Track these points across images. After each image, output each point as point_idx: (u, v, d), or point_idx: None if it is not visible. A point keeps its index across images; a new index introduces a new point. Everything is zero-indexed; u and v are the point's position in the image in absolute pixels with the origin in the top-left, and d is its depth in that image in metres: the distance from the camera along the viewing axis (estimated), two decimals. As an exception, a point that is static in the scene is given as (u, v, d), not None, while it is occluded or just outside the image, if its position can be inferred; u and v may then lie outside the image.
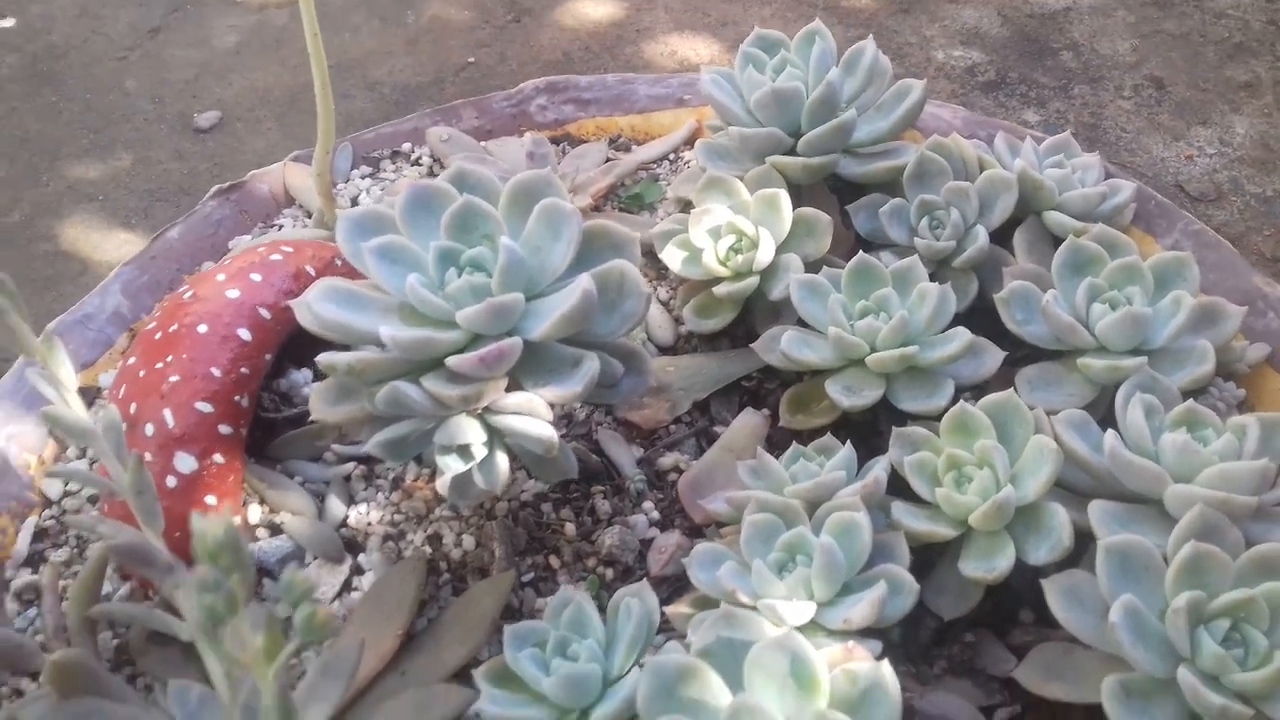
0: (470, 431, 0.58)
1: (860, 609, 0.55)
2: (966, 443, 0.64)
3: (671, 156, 0.93)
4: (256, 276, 0.69)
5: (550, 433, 0.58)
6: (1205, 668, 0.53)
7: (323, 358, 0.57)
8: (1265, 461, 0.59)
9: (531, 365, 0.59)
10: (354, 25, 1.52)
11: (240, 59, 1.48)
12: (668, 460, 0.73)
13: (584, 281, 0.57)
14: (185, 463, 0.63)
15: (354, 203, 0.89)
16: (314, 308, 0.59)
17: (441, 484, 0.62)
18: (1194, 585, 0.55)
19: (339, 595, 0.65)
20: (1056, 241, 0.75)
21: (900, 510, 0.63)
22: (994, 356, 0.70)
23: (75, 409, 0.59)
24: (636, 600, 0.57)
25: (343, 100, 1.37)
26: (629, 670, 0.56)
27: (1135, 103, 1.09)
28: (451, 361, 0.56)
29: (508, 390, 0.59)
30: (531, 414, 0.58)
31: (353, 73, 1.44)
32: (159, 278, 0.82)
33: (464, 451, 0.59)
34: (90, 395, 0.77)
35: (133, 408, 0.65)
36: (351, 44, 1.50)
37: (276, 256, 0.71)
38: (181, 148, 1.33)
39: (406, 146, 0.93)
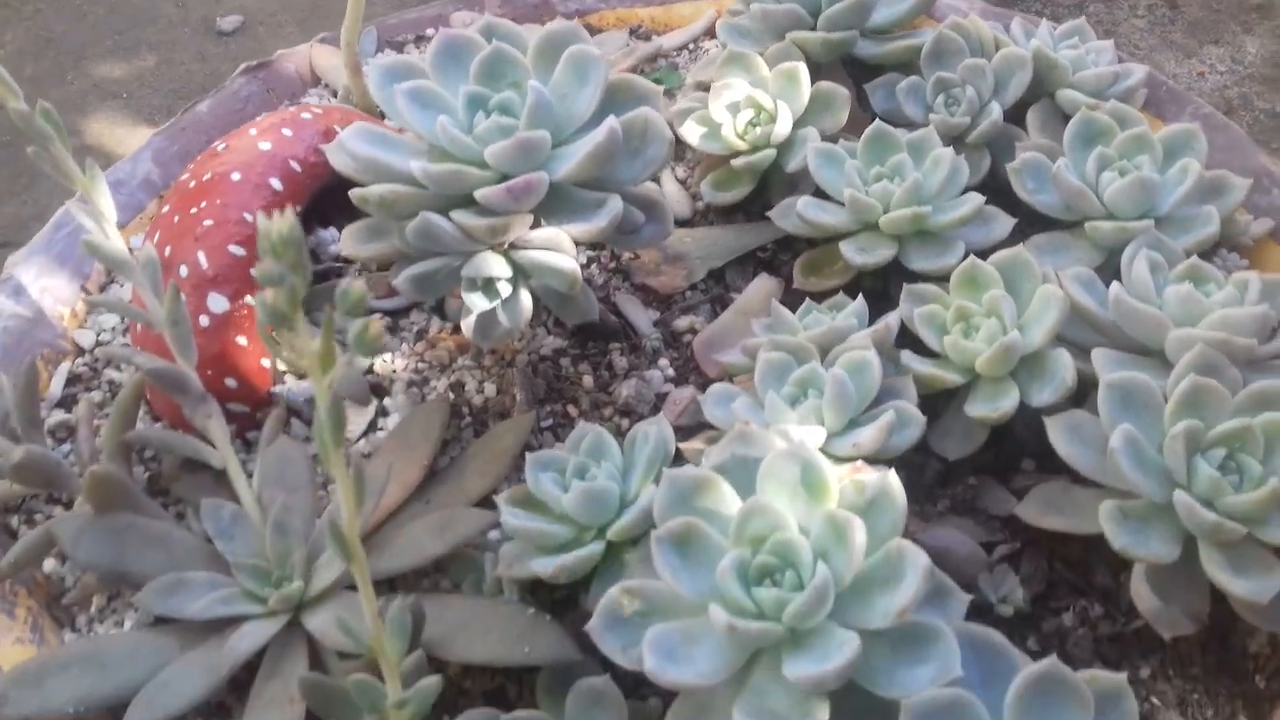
0: (496, 266, 0.60)
1: (869, 433, 0.57)
2: (975, 295, 0.65)
3: (691, 46, 0.94)
4: (288, 131, 0.71)
5: (574, 266, 0.60)
6: (1200, 492, 0.56)
7: (356, 191, 0.59)
8: (1265, 307, 0.61)
9: (556, 206, 0.61)
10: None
11: (263, -36, 1.50)
12: (683, 322, 0.75)
13: (610, 121, 0.59)
14: (218, 303, 0.66)
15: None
16: (348, 146, 0.61)
17: (467, 326, 0.64)
18: (1192, 417, 0.57)
19: (365, 434, 0.68)
20: (1068, 121, 0.77)
21: (909, 357, 0.65)
22: (1004, 223, 0.72)
23: (114, 240, 0.61)
24: (654, 427, 0.60)
25: (366, 6, 1.38)
26: (645, 490, 0.58)
27: (1149, 21, 1.10)
28: (480, 194, 0.58)
29: (532, 230, 0.61)
30: (556, 249, 0.60)
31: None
32: (188, 148, 0.84)
33: (489, 289, 0.62)
34: (123, 256, 0.79)
35: (167, 251, 0.67)
36: (369, -47, 1.52)
37: (307, 116, 0.73)
38: (204, 49, 1.35)
39: (430, 32, 0.95)
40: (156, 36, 1.38)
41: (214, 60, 1.37)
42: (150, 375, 0.59)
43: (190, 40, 1.39)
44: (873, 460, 0.59)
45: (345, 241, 0.63)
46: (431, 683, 0.44)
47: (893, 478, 0.52)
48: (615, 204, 0.60)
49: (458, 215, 0.59)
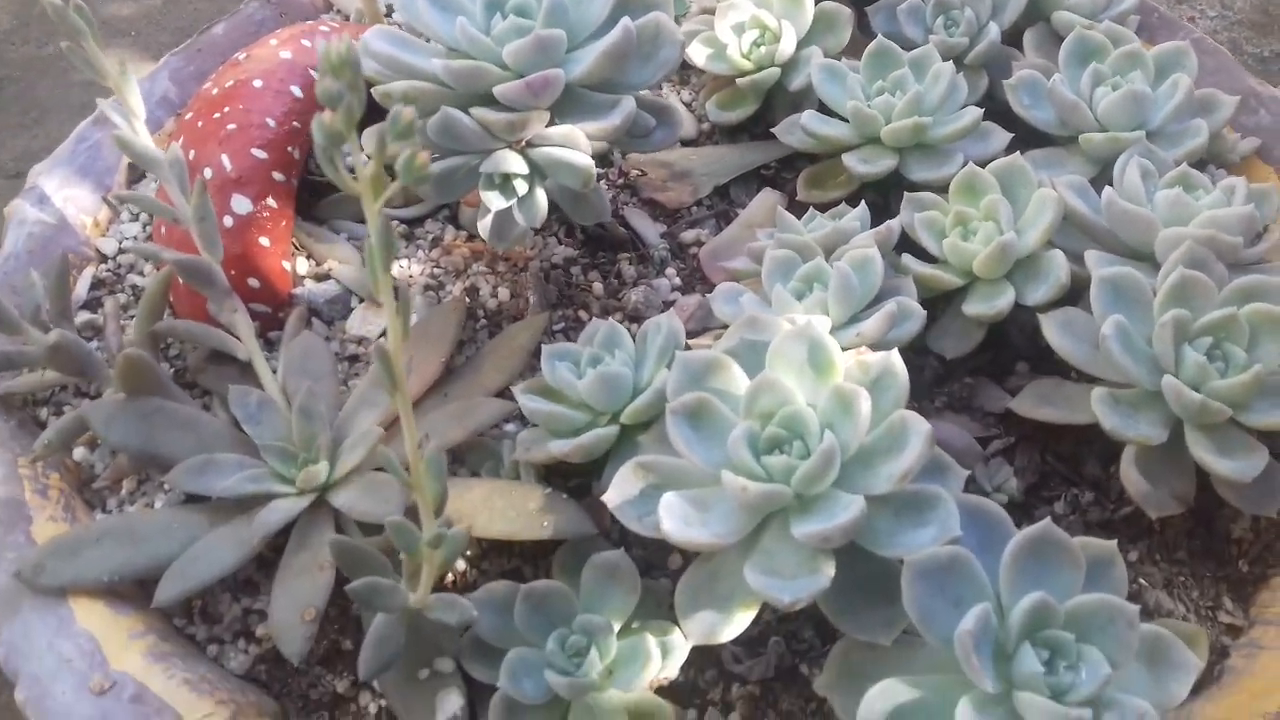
0: (514, 162, 0.63)
1: (872, 323, 0.60)
2: (973, 201, 0.68)
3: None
4: (307, 42, 0.73)
5: (588, 162, 0.62)
6: (1188, 377, 0.58)
7: (380, 87, 0.61)
8: (1251, 208, 0.63)
9: (571, 106, 0.63)
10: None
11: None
12: (689, 235, 0.77)
13: (625, 21, 0.61)
14: (241, 204, 0.68)
15: (388, 10, 0.92)
16: (371, 46, 0.63)
17: (483, 227, 0.66)
18: (1181, 307, 0.59)
19: (384, 333, 0.70)
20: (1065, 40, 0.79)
21: (909, 260, 0.67)
22: (1000, 137, 0.74)
23: (143, 137, 0.63)
24: (665, 319, 0.62)
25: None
26: (657, 377, 0.61)
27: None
28: (499, 90, 0.60)
29: (548, 128, 0.63)
30: (573, 146, 0.62)
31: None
32: (204, 68, 0.86)
33: (506, 186, 0.64)
34: (140, 170, 0.81)
35: (191, 154, 0.69)
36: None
37: (325, 28, 0.75)
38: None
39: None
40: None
41: (222, 0, 1.38)
42: (179, 267, 0.61)
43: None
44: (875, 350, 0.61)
45: (365, 143, 0.65)
46: (462, 530, 0.46)
47: (895, 357, 0.54)
48: (628, 103, 0.62)
49: (477, 111, 0.61)
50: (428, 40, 0.66)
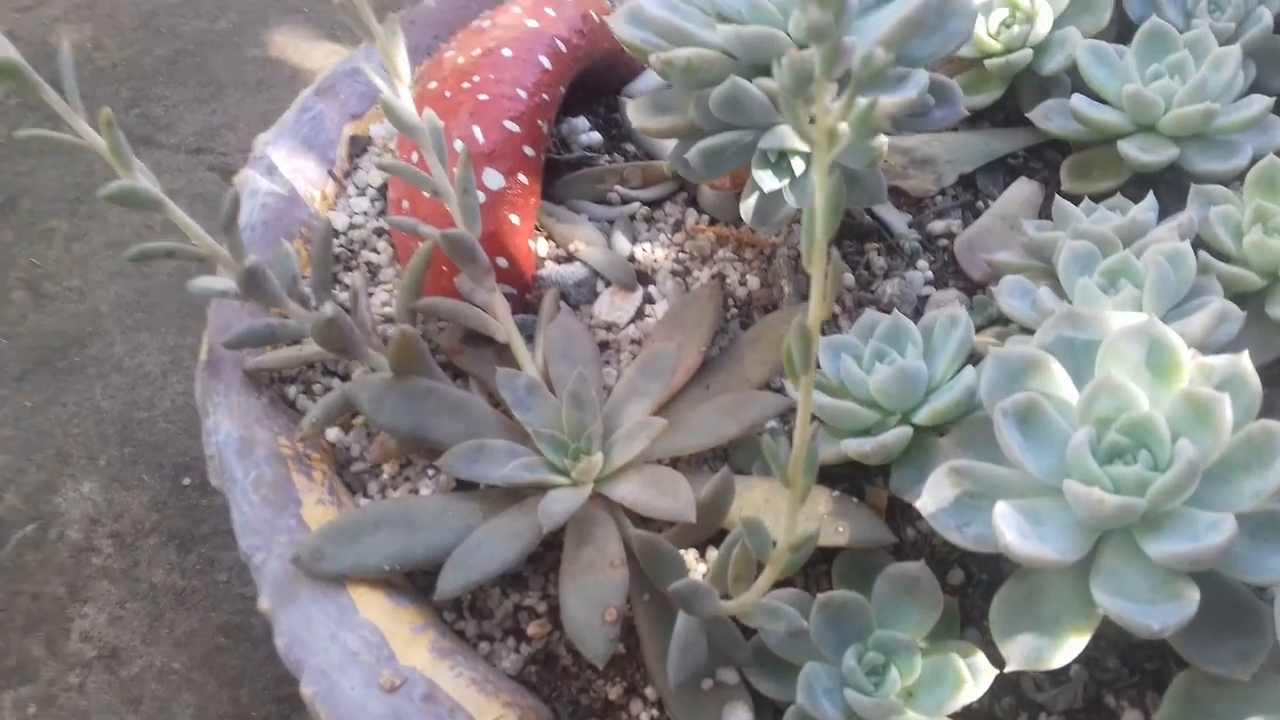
0: (796, 139, 0.59)
1: (1197, 320, 0.55)
2: (1275, 196, 0.63)
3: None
4: (551, 11, 0.70)
5: (881, 140, 0.58)
6: None
7: (661, 55, 0.58)
8: None
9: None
10: None
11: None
12: (938, 226, 0.73)
13: (924, -10, 0.57)
14: (493, 179, 0.65)
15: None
16: (647, 11, 0.59)
17: (746, 209, 0.63)
18: None
19: (633, 320, 0.67)
20: (1338, 32, 0.74)
21: (1209, 258, 0.62)
22: (1285, 128, 0.69)
23: (406, 101, 0.60)
24: (960, 312, 0.58)
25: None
26: (954, 375, 0.57)
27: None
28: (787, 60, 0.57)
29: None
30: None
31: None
32: (418, 42, 0.83)
33: (781, 165, 0.60)
34: (361, 144, 0.78)
35: (441, 124, 0.66)
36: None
37: (566, -2, 0.72)
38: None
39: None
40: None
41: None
42: (445, 241, 0.59)
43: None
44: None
45: (633, 113, 0.61)
46: (815, 531, 0.43)
47: (1246, 361, 0.50)
48: (921, 76, 0.58)
49: (764, 82, 0.57)
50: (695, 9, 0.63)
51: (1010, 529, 0.47)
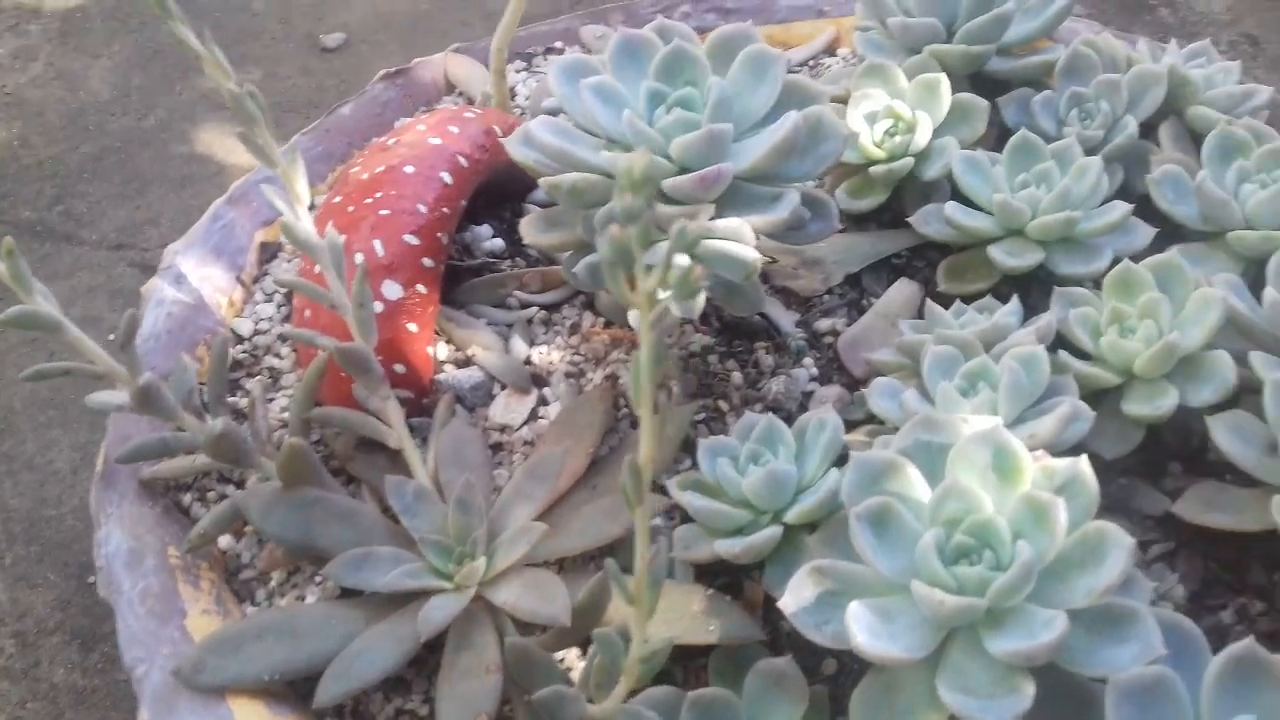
0: (678, 255, 0.62)
1: (1046, 422, 0.59)
2: (1129, 298, 0.67)
3: (812, 63, 0.97)
4: (454, 128, 0.73)
5: (754, 256, 0.61)
6: (1375, 488, 0.56)
7: (548, 179, 0.61)
8: None
9: (735, 199, 0.63)
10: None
11: (364, -15, 1.54)
12: (824, 324, 0.77)
13: (793, 115, 0.61)
14: (392, 290, 0.68)
15: (511, 93, 0.93)
16: (537, 136, 0.63)
17: (632, 316, 0.66)
18: (1363, 415, 0.58)
19: (527, 422, 0.69)
20: (1197, 139, 0.78)
21: (1067, 357, 0.66)
22: (1145, 232, 0.73)
23: (305, 223, 0.63)
24: (828, 415, 0.61)
25: (464, 26, 1.42)
26: (822, 477, 0.59)
27: (1230, 58, 1.12)
28: (668, 184, 0.60)
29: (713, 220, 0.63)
30: (738, 239, 0.61)
31: (470, 3, 1.50)
32: (331, 149, 0.87)
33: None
34: (272, 250, 0.81)
35: (341, 239, 0.69)
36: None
37: (469, 115, 0.76)
38: (309, 65, 1.39)
39: (558, 44, 0.98)
40: (261, 51, 1.42)
41: (318, 75, 1.41)
42: (339, 354, 0.61)
43: (294, 55, 1.43)
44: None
45: (525, 229, 0.65)
46: (669, 640, 0.45)
47: (1084, 463, 0.53)
48: (793, 197, 0.62)
49: (645, 205, 0.61)
50: (584, 131, 0.66)
51: (861, 629, 0.49)
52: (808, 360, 0.74)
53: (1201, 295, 0.65)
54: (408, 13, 1.49)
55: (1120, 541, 0.49)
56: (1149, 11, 1.38)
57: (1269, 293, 0.65)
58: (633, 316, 0.66)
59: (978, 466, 0.54)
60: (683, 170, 0.62)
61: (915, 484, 0.54)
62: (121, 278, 1.20)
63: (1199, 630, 0.52)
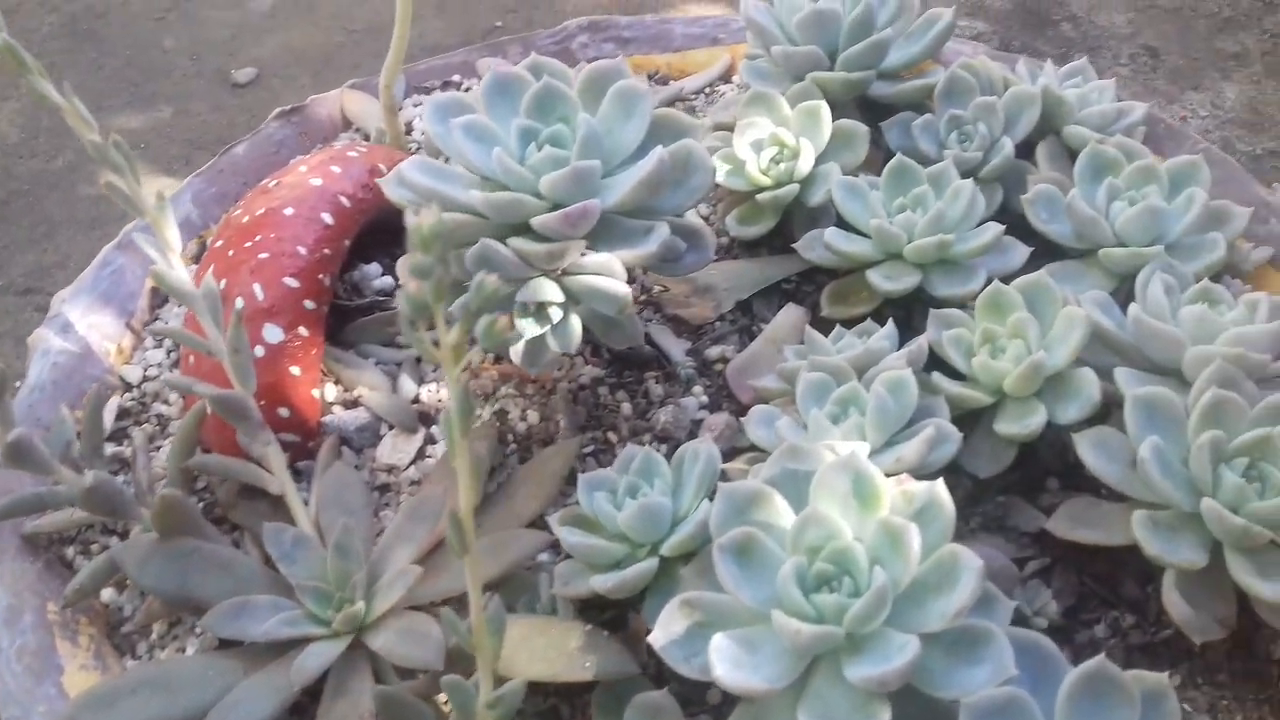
0: (550, 291, 0.63)
1: (911, 446, 0.60)
2: (1000, 319, 0.68)
3: (708, 90, 0.98)
4: (336, 168, 0.74)
5: (626, 290, 0.62)
6: (1226, 499, 0.58)
7: (414, 220, 0.62)
8: (1277, 325, 0.64)
9: (606, 233, 0.64)
10: (387, -10, 1.60)
11: (275, 21, 1.54)
12: (714, 351, 0.78)
13: (659, 150, 0.62)
14: (273, 333, 0.68)
15: (408, 128, 0.93)
16: (407, 176, 0.63)
17: (515, 352, 0.66)
18: (1215, 428, 0.60)
19: (414, 461, 0.70)
20: (1074, 157, 0.80)
21: (939, 378, 0.68)
22: (1020, 251, 0.75)
23: (179, 271, 0.63)
24: (703, 446, 0.62)
25: (377, 60, 1.42)
26: (696, 508, 0.60)
27: (1132, 69, 1.16)
28: (536, 221, 0.61)
29: (583, 256, 0.64)
30: (608, 274, 0.62)
31: (383, 35, 1.50)
32: (225, 190, 0.87)
33: (541, 314, 0.64)
34: (163, 295, 0.81)
35: (222, 283, 0.69)
36: (381, 9, 1.57)
37: (353, 154, 0.76)
38: (220, 101, 1.39)
39: (456, 78, 0.98)
40: (172, 89, 1.42)
41: (229, 111, 1.41)
42: (215, 402, 0.61)
43: (206, 92, 1.42)
44: (913, 476, 0.61)
45: (401, 271, 0.65)
46: (519, 684, 0.45)
47: (940, 487, 0.54)
48: (663, 230, 0.63)
49: (515, 242, 0.61)
50: (460, 168, 0.67)
51: (723, 660, 0.50)
52: (697, 389, 0.75)
53: (1067, 314, 0.67)
54: (320, 47, 1.49)
55: (970, 564, 0.51)
56: (1052, 27, 1.41)
57: (1133, 309, 0.67)
58: (514, 352, 0.66)
59: (839, 494, 0.55)
60: (555, 207, 0.63)
61: (781, 513, 0.55)
62: (29, 323, 1.18)
63: (1056, 648, 0.53)
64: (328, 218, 0.71)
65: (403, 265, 0.66)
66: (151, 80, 1.44)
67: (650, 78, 1.00)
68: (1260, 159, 1.25)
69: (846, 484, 0.55)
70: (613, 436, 0.72)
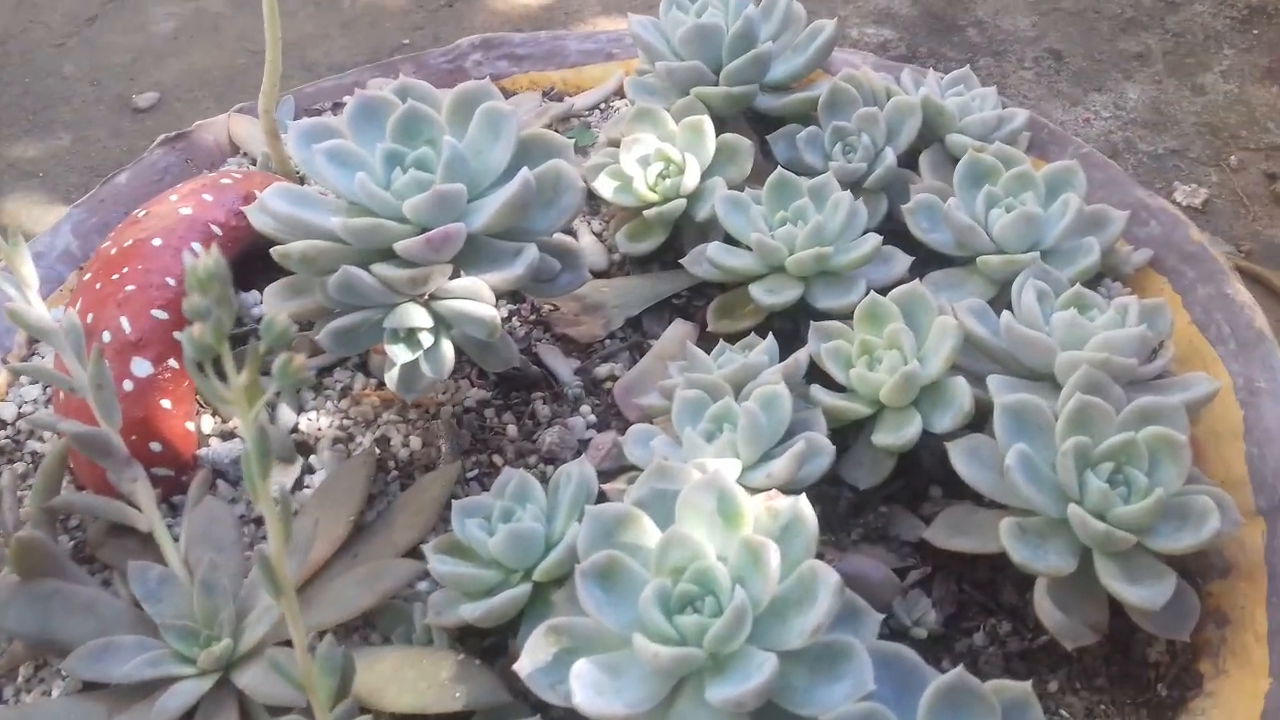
0: (417, 317, 0.62)
1: (782, 462, 0.60)
2: (877, 329, 0.69)
3: (603, 106, 0.98)
4: (208, 196, 0.73)
5: (493, 314, 0.62)
6: (1092, 505, 0.59)
7: (277, 249, 0.61)
8: (1144, 328, 0.65)
9: (474, 256, 0.64)
10: (291, 10, 1.58)
11: (178, 44, 1.52)
12: (603, 370, 0.77)
13: (524, 172, 0.61)
14: (141, 367, 0.66)
15: (297, 149, 0.92)
16: (269, 205, 0.62)
17: (390, 379, 0.66)
18: (1081, 434, 0.60)
19: (291, 492, 0.69)
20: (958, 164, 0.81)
21: (818, 391, 0.68)
22: (902, 261, 0.76)
23: (38, 308, 0.62)
24: (576, 468, 0.62)
25: (283, 80, 1.41)
26: (568, 531, 0.60)
27: (1036, 73, 1.17)
28: (399, 246, 0.60)
29: (451, 280, 0.63)
30: (475, 298, 0.62)
31: (290, 54, 1.49)
32: (107, 220, 0.85)
33: (411, 340, 0.63)
34: (43, 327, 0.79)
35: (90, 317, 0.67)
36: (288, 27, 1.55)
37: (227, 181, 0.75)
38: (120, 127, 1.36)
39: (347, 99, 0.97)
40: (71, 115, 1.39)
41: (130, 137, 1.38)
42: (75, 440, 0.60)
43: (106, 118, 1.40)
44: (787, 491, 0.61)
45: (267, 300, 0.64)
46: (363, 722, 0.45)
47: (803, 502, 0.54)
48: (531, 252, 0.62)
49: (378, 268, 0.61)
50: (329, 194, 0.66)
51: (584, 687, 0.50)
52: (585, 408, 0.75)
53: (940, 324, 0.67)
54: (223, 69, 1.47)
55: (828, 580, 0.51)
56: (958, 32, 1.43)
57: (1005, 316, 0.67)
58: (389, 378, 0.66)
59: (704, 513, 0.55)
60: (421, 231, 0.62)
61: (649, 534, 0.55)
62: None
63: (921, 660, 0.53)
64: (199, 247, 0.70)
65: (269, 294, 0.65)
66: (50, 107, 1.41)
67: (545, 94, 1.00)
68: (1162, 158, 1.27)
69: (711, 503, 0.54)
70: (498, 460, 0.71)
